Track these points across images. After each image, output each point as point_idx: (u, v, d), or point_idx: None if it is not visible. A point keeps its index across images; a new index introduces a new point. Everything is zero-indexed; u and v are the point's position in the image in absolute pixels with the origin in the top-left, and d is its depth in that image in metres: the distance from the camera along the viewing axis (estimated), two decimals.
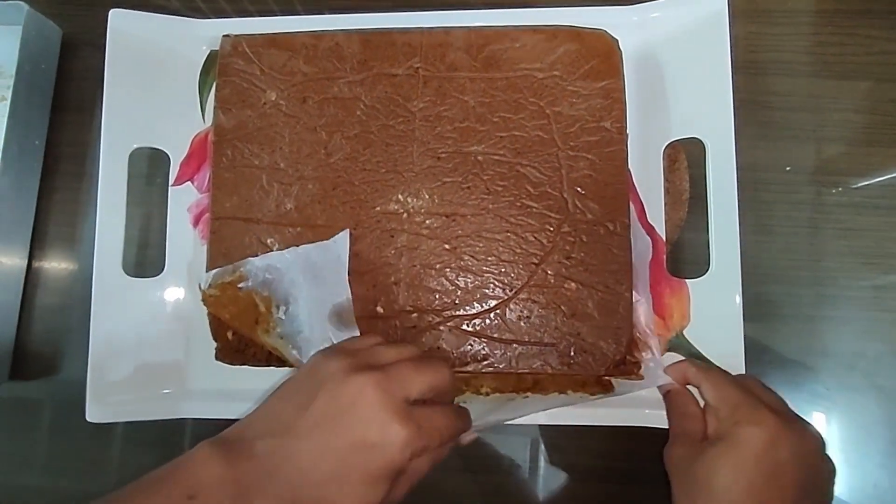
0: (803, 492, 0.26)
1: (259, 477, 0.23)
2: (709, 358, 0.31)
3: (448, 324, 0.31)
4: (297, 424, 0.24)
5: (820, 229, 0.35)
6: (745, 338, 0.31)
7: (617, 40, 0.33)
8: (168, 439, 0.36)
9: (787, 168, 0.36)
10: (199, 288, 0.33)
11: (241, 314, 0.31)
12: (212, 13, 0.38)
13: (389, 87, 0.33)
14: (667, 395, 0.31)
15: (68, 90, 0.39)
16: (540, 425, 0.35)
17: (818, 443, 0.28)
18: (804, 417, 0.29)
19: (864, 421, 0.34)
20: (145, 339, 0.34)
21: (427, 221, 0.32)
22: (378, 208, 0.32)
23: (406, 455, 0.23)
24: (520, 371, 0.31)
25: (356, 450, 0.23)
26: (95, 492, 0.36)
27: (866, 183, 0.36)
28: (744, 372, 0.31)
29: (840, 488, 0.33)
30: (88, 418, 0.33)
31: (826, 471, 0.28)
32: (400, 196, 0.32)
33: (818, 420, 0.34)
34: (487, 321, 0.31)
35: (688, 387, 0.31)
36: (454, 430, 0.26)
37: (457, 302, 0.31)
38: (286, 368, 0.33)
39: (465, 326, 0.31)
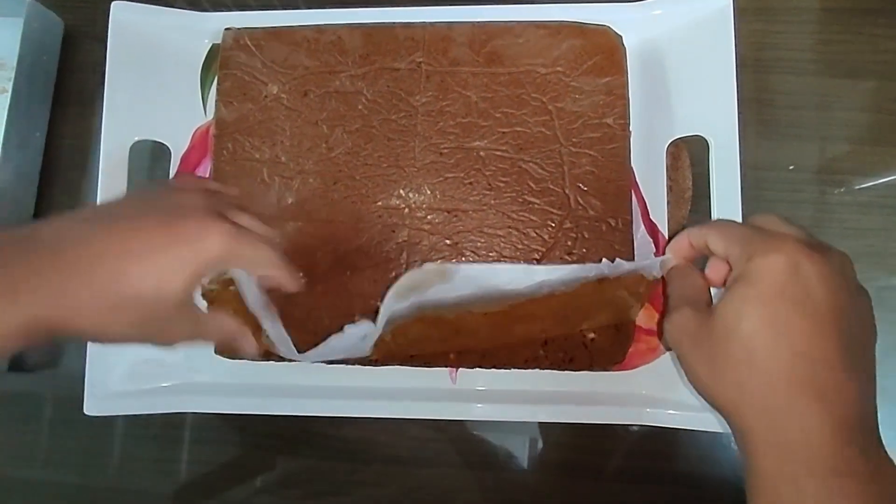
0: (842, 317, 0.22)
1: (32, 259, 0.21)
2: None
3: None
4: (102, 212, 0.23)
5: (823, 229, 0.35)
6: None
7: (621, 36, 0.33)
8: (167, 433, 0.36)
9: (791, 167, 0.36)
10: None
11: (242, 312, 0.31)
12: (213, 7, 0.38)
13: (391, 82, 0.33)
14: (668, 273, 0.28)
15: (70, 82, 0.39)
16: (539, 423, 0.34)
17: (847, 265, 0.24)
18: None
19: None
20: None
21: (428, 217, 0.32)
22: (379, 203, 0.32)
23: (216, 249, 0.22)
24: (517, 366, 0.31)
25: (168, 233, 0.22)
26: (94, 486, 0.36)
27: (871, 182, 0.36)
28: None
29: None
30: (86, 411, 0.33)
31: (863, 298, 0.24)
32: (401, 191, 0.32)
33: None
34: None
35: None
36: (271, 257, 0.25)
37: None
38: (285, 363, 0.33)
39: None
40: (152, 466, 0.36)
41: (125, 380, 0.33)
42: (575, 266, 0.26)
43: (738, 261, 0.24)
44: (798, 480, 0.21)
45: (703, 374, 0.24)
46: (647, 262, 0.28)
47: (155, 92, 0.35)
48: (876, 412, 0.23)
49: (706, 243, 0.26)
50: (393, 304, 0.25)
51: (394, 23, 0.34)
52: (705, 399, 0.25)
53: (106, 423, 0.36)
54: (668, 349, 0.31)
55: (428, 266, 0.24)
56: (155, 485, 0.36)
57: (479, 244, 0.32)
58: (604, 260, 0.26)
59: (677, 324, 0.25)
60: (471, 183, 0.32)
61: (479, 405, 0.32)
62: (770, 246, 0.23)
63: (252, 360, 0.31)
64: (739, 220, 0.31)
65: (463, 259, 0.32)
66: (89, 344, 0.33)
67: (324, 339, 0.27)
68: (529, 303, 0.27)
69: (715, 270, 0.26)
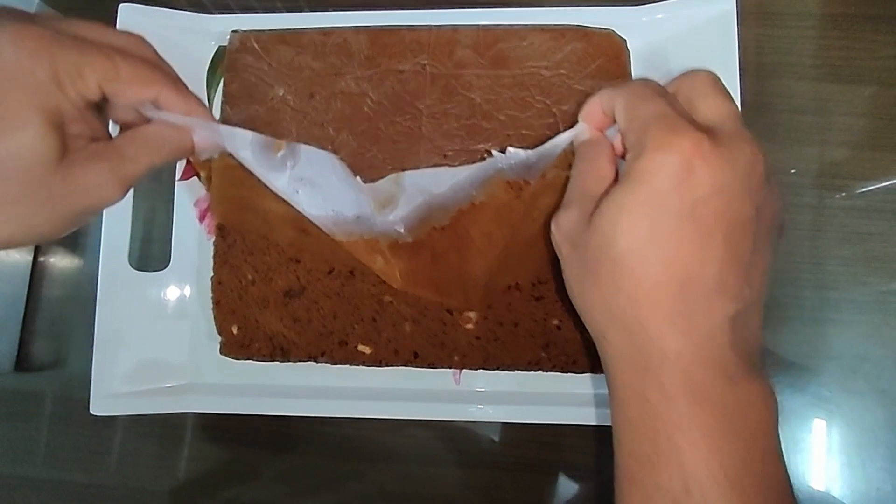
0: (733, 232, 0.19)
1: None
2: None
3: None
4: None
5: (824, 232, 0.35)
6: None
7: (625, 40, 0.33)
8: (168, 431, 0.36)
9: (792, 171, 0.36)
10: (199, 178, 0.33)
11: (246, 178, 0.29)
12: (219, 9, 0.39)
13: (397, 84, 0.33)
14: (577, 151, 0.24)
15: None
16: (539, 424, 0.35)
17: (757, 166, 0.20)
18: (755, 142, 0.21)
19: (867, 425, 0.34)
20: (150, 333, 0.34)
21: None
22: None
23: (33, 63, 0.20)
24: (521, 368, 0.31)
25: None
26: (97, 483, 0.36)
27: (871, 187, 0.36)
28: None
29: (841, 492, 0.33)
30: (93, 411, 0.33)
31: (770, 206, 0.21)
32: None
33: (820, 425, 0.34)
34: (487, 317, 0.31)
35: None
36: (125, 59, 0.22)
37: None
38: (290, 363, 0.33)
39: (468, 326, 0.31)
40: (153, 464, 0.36)
41: (130, 380, 0.34)
42: (478, 165, 0.27)
43: (630, 151, 0.21)
44: (651, 401, 0.20)
45: (576, 289, 0.22)
46: (552, 142, 0.25)
47: None
48: (758, 336, 0.21)
49: (615, 108, 0.23)
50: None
51: (399, 25, 0.34)
52: (578, 313, 0.23)
53: (108, 422, 0.36)
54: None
55: (383, 180, 0.26)
56: (155, 483, 0.36)
57: None
58: (495, 153, 0.27)
59: (561, 226, 0.22)
60: None
61: (481, 406, 0.32)
62: (663, 142, 0.19)
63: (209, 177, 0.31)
64: None
65: None
66: (95, 343, 0.33)
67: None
68: (467, 214, 0.28)
69: (620, 147, 0.23)
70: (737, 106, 0.22)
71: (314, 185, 0.29)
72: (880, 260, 0.35)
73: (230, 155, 0.29)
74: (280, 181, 0.29)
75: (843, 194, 0.36)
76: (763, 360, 0.21)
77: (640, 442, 0.20)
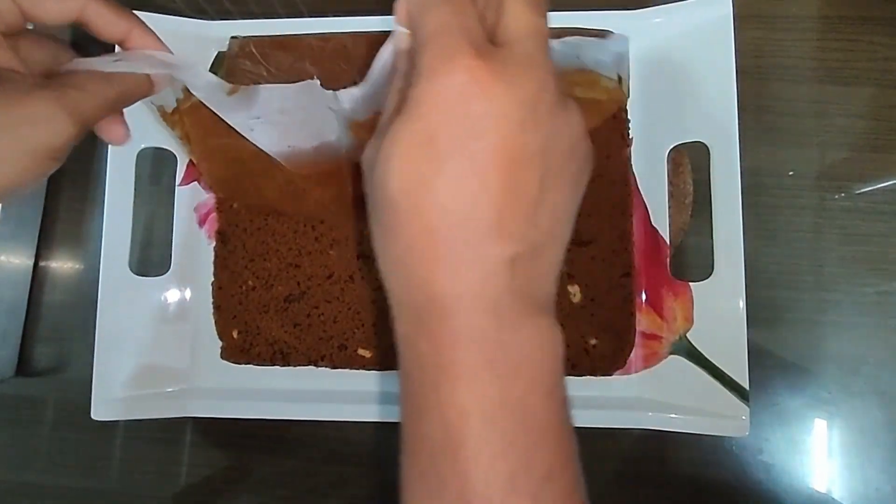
0: (516, 168, 0.17)
1: None
2: (712, 361, 0.31)
3: None
4: None
5: (823, 234, 0.35)
6: (748, 341, 0.31)
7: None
8: (168, 436, 0.36)
9: (791, 173, 0.36)
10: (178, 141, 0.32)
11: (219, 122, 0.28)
12: (218, 15, 0.39)
13: None
14: (395, 63, 0.22)
15: None
16: None
17: (547, 88, 0.18)
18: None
19: (867, 426, 0.34)
20: (151, 338, 0.34)
21: None
22: None
23: None
24: None
25: None
26: (97, 488, 0.36)
27: (869, 188, 0.36)
28: (746, 374, 0.31)
29: (841, 493, 0.33)
30: (94, 416, 0.33)
31: (567, 136, 0.18)
32: None
33: (819, 426, 0.34)
34: None
35: None
36: None
37: None
38: (291, 367, 0.33)
39: None
40: (154, 469, 0.37)
41: (131, 384, 0.34)
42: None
43: (406, 76, 0.18)
44: (422, 350, 0.19)
45: (372, 234, 0.20)
46: (376, 62, 0.23)
47: None
48: (549, 277, 0.20)
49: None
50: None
51: None
52: None
53: (109, 427, 0.36)
54: None
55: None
56: (156, 488, 0.37)
57: None
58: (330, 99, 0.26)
59: (364, 160, 0.20)
60: None
61: None
62: (434, 67, 0.17)
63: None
64: (740, 229, 0.31)
65: None
66: (96, 348, 0.33)
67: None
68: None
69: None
70: (545, 22, 0.19)
71: (272, 123, 0.28)
72: (880, 261, 0.35)
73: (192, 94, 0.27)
74: (234, 119, 0.27)
75: (842, 195, 0.36)
76: (552, 301, 0.20)
77: (413, 395, 0.19)
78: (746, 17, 0.36)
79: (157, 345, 0.34)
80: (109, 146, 0.34)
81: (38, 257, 0.38)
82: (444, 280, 0.18)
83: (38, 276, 0.38)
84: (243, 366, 0.33)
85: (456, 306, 0.18)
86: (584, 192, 0.21)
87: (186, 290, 0.35)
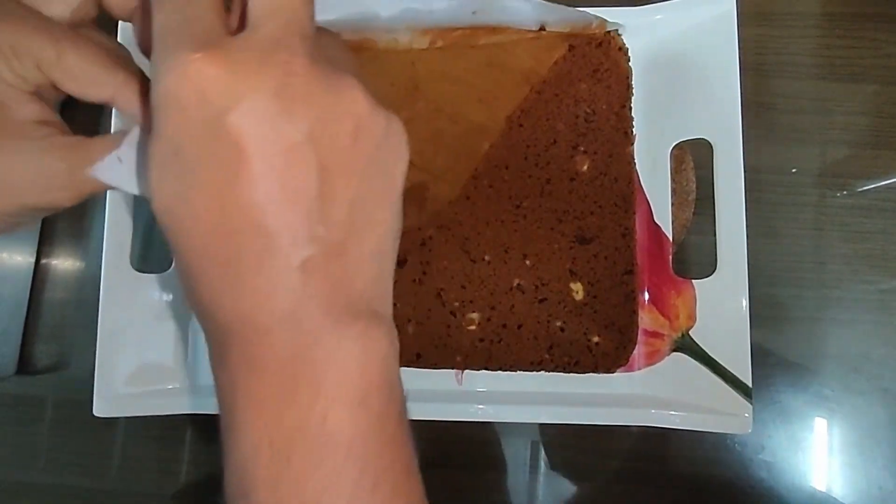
0: (280, 165, 0.15)
1: None
2: (715, 358, 0.31)
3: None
4: None
5: (825, 232, 0.35)
6: (750, 339, 0.31)
7: (624, 41, 0.33)
8: (172, 434, 0.36)
9: (793, 170, 0.36)
10: None
11: None
12: None
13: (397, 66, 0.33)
14: None
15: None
16: (543, 424, 0.35)
17: (292, 77, 0.15)
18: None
19: (869, 424, 0.34)
20: (153, 335, 0.34)
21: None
22: None
23: None
24: (523, 369, 0.31)
25: None
26: (98, 487, 0.36)
27: (872, 186, 0.36)
28: (749, 371, 0.31)
29: (843, 491, 0.33)
30: (96, 413, 0.33)
31: (343, 117, 0.16)
32: None
33: (821, 424, 0.34)
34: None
35: None
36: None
37: (464, 286, 0.31)
38: None
39: (471, 327, 0.31)
40: (154, 467, 0.37)
41: (132, 381, 0.34)
42: None
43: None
44: (221, 382, 0.17)
45: None
46: None
47: None
48: (365, 274, 0.17)
49: None
50: None
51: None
52: None
53: (109, 424, 0.36)
54: None
55: None
56: (157, 486, 0.36)
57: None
58: None
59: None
60: (474, 187, 0.32)
61: (484, 406, 0.32)
62: (162, 68, 0.15)
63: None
64: (743, 226, 0.31)
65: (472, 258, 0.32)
66: (98, 345, 0.33)
67: None
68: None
69: None
70: None
71: None
72: (882, 258, 0.35)
73: None
74: None
75: (844, 193, 0.36)
76: (378, 301, 0.18)
77: (223, 418, 0.18)
78: (750, 14, 0.36)
79: (158, 342, 0.34)
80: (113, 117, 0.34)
81: (39, 254, 0.38)
82: (226, 302, 0.16)
83: (39, 273, 0.38)
84: None
85: (243, 329, 0.16)
86: (401, 171, 0.18)
87: None
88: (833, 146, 0.36)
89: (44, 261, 0.38)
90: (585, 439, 0.34)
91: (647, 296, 0.33)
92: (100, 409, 0.33)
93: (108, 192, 0.34)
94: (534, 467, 0.35)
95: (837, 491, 0.33)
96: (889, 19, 0.36)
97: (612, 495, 0.34)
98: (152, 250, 0.37)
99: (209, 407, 0.33)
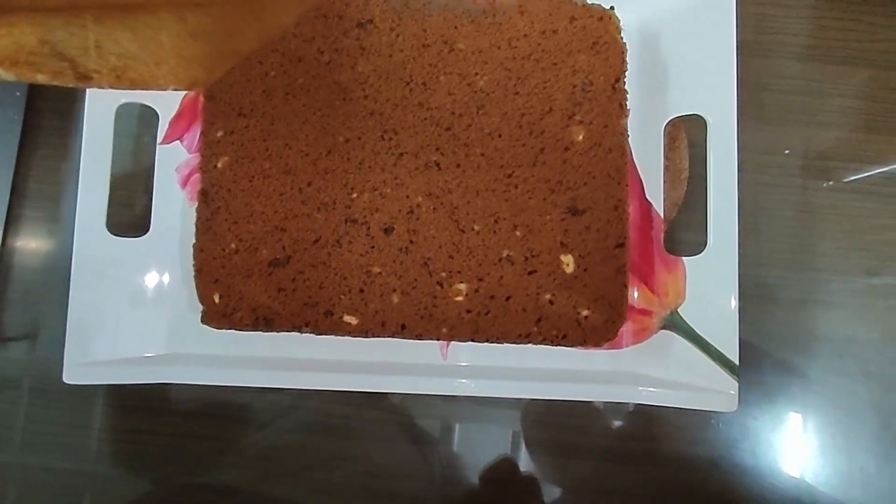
0: None
1: None
2: (703, 336, 0.31)
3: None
4: None
5: (816, 214, 0.35)
6: (738, 319, 0.31)
7: (617, 15, 0.32)
8: (149, 405, 0.35)
9: (786, 151, 0.36)
10: None
11: None
12: None
13: (385, 52, 0.32)
14: None
15: None
16: (529, 401, 0.34)
17: None
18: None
19: (853, 406, 0.34)
20: (128, 300, 0.33)
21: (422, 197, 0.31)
22: (370, 180, 0.31)
23: None
24: (510, 341, 0.31)
25: None
26: (71, 469, 0.35)
27: (864, 169, 0.36)
28: (737, 349, 0.30)
29: (826, 472, 0.33)
30: (66, 379, 0.32)
31: None
32: (394, 161, 0.32)
33: (807, 405, 0.34)
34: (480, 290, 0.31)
35: None
36: None
37: (452, 256, 0.31)
38: (274, 333, 0.32)
39: (458, 298, 0.31)
40: (131, 439, 0.35)
41: (106, 349, 0.32)
42: None
43: None
44: None
45: None
46: None
47: None
48: None
49: None
50: None
51: None
52: None
53: (84, 395, 0.35)
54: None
55: None
56: (133, 461, 0.35)
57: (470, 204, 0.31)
58: None
59: None
60: (466, 156, 0.32)
61: (469, 381, 0.31)
62: None
63: None
64: (735, 204, 0.31)
65: (460, 227, 0.31)
66: (70, 309, 0.32)
67: None
68: None
69: None
70: None
71: None
72: (871, 242, 0.35)
73: None
74: None
75: (837, 177, 0.36)
76: None
77: None
78: None
79: (134, 308, 0.33)
80: (87, 99, 0.33)
81: (9, 213, 0.37)
82: None
83: (9, 232, 0.36)
84: (224, 331, 0.32)
85: None
86: None
87: (166, 252, 0.34)
88: (827, 129, 0.36)
89: (16, 220, 0.37)
90: (572, 417, 0.34)
91: (636, 273, 0.33)
92: (71, 376, 0.32)
93: (82, 154, 0.33)
94: (518, 445, 0.34)
95: (820, 471, 0.33)
96: (884, 3, 0.36)
97: (598, 474, 0.34)
98: (130, 214, 0.35)
99: (188, 376, 0.32)
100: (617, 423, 0.34)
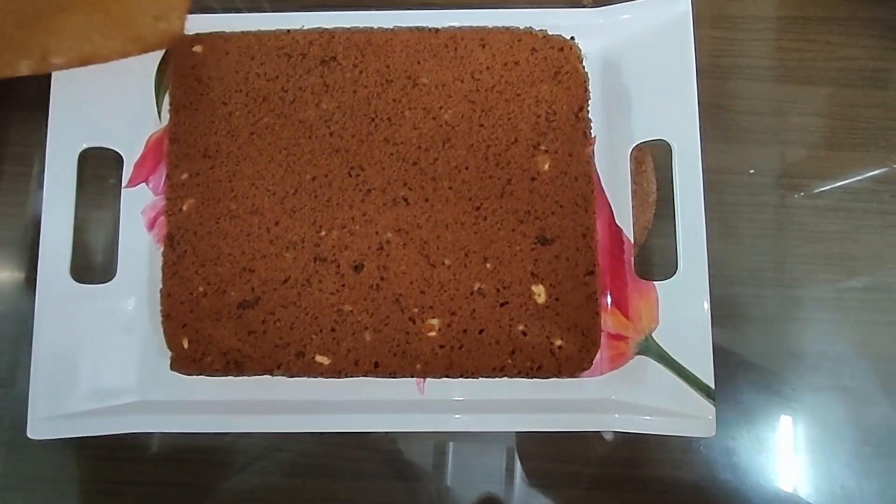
0: None
1: None
2: (678, 360, 0.31)
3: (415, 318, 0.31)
4: None
5: (784, 231, 0.36)
6: (712, 340, 0.31)
7: (578, 45, 0.33)
8: (119, 454, 0.34)
9: (751, 171, 0.36)
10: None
11: None
12: None
13: (349, 88, 0.32)
14: None
15: (15, 85, 0.37)
16: (509, 434, 0.34)
17: None
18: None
19: (830, 422, 0.34)
20: (95, 349, 0.32)
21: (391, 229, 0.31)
22: (338, 217, 0.31)
23: None
24: (485, 375, 0.30)
25: None
26: None
27: (828, 186, 0.36)
28: (712, 373, 0.30)
29: (807, 490, 0.33)
30: (30, 435, 0.31)
31: None
32: (361, 197, 0.32)
33: (784, 423, 0.34)
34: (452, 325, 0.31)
35: None
36: None
37: (424, 292, 0.31)
38: (245, 378, 0.31)
39: (431, 334, 0.31)
40: (101, 490, 0.34)
41: (73, 400, 0.32)
42: None
43: None
44: None
45: None
46: None
47: (106, 97, 0.34)
48: None
49: None
50: None
51: (353, 27, 0.33)
52: None
53: (51, 446, 0.34)
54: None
55: None
56: None
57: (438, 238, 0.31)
58: None
59: None
60: (434, 189, 0.31)
61: (446, 415, 0.31)
62: None
63: None
64: (703, 227, 0.31)
65: (430, 260, 0.31)
66: (33, 361, 0.31)
67: None
68: None
69: None
70: None
71: None
72: (838, 257, 0.35)
73: None
74: None
75: (801, 193, 0.36)
76: None
77: None
78: (705, 16, 0.36)
79: (101, 356, 0.32)
80: (48, 145, 0.32)
81: None
82: None
83: None
84: (195, 377, 0.31)
85: None
86: None
87: (133, 297, 0.33)
88: (789, 147, 0.36)
89: None
90: (555, 446, 0.34)
91: (609, 298, 0.33)
92: (35, 431, 0.31)
93: (44, 199, 0.32)
94: (501, 476, 0.34)
95: (801, 490, 0.33)
96: (841, 23, 0.37)
97: (584, 502, 0.34)
98: (95, 260, 0.35)
99: (158, 425, 0.32)
100: (599, 450, 0.34)
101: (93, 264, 0.34)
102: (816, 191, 0.36)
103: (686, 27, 0.33)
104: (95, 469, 0.34)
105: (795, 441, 0.34)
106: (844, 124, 0.37)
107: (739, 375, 0.34)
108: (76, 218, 0.33)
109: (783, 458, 0.34)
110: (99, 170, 0.35)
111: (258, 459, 0.34)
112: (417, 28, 0.33)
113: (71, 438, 0.34)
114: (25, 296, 0.33)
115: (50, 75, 0.33)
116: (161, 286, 0.32)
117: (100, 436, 0.32)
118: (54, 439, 0.32)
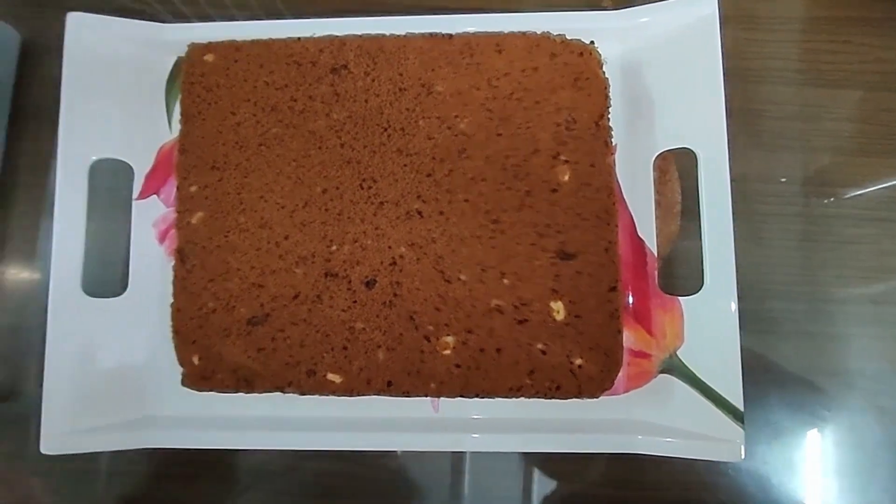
0: None
1: None
2: (705, 380, 0.30)
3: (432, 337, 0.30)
4: None
5: (816, 242, 0.34)
6: (741, 357, 0.29)
7: (598, 49, 0.31)
8: (130, 469, 0.34)
9: (783, 179, 0.34)
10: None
11: None
12: (176, 18, 0.36)
13: (361, 97, 0.31)
14: None
15: (28, 98, 0.37)
16: (527, 454, 0.33)
17: None
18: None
19: (866, 444, 0.32)
20: (106, 364, 0.32)
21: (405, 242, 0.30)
22: (350, 231, 0.30)
23: None
24: (501, 395, 0.29)
25: None
26: None
27: (861, 193, 0.35)
28: (741, 395, 0.29)
29: None
30: (43, 450, 0.30)
31: None
32: (374, 210, 0.31)
33: (818, 444, 0.32)
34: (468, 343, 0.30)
35: None
36: None
37: (439, 309, 0.30)
38: (255, 395, 0.31)
39: (446, 352, 0.29)
40: None
41: (84, 415, 0.31)
42: None
43: None
44: None
45: None
46: None
47: (116, 108, 0.33)
48: None
49: None
50: None
51: (367, 34, 0.32)
52: None
53: (61, 461, 0.33)
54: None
55: None
56: None
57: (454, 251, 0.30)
58: None
59: None
60: (451, 201, 0.30)
61: (467, 434, 0.30)
62: None
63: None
64: (731, 238, 0.30)
65: (445, 277, 0.30)
66: (45, 376, 0.31)
67: None
68: None
69: None
70: None
71: None
72: (872, 268, 0.34)
73: None
74: None
75: (832, 200, 0.34)
76: None
77: None
78: (732, 17, 0.35)
79: (112, 370, 0.32)
80: (58, 157, 0.32)
81: None
82: None
83: None
84: (205, 393, 0.31)
85: None
86: None
87: (145, 312, 0.32)
88: (821, 153, 0.35)
89: None
90: (573, 465, 0.32)
91: (631, 314, 0.31)
92: (48, 446, 0.30)
93: (55, 212, 0.32)
94: (517, 496, 0.33)
95: None
96: (876, 24, 0.35)
97: None
98: (107, 273, 0.34)
99: (170, 441, 0.31)
100: (619, 470, 0.33)
101: (104, 277, 0.34)
102: (848, 198, 0.35)
103: (712, 29, 0.31)
104: (106, 485, 0.34)
105: (830, 464, 0.32)
106: (878, 129, 0.35)
107: (771, 394, 0.32)
108: (87, 230, 0.32)
109: (816, 482, 0.32)
110: (110, 181, 0.35)
111: (271, 477, 0.34)
112: (431, 34, 0.32)
113: (80, 453, 0.33)
114: (40, 310, 0.32)
115: (59, 87, 0.33)
116: (171, 301, 0.31)
117: (111, 451, 0.31)
118: (63, 454, 0.31)
